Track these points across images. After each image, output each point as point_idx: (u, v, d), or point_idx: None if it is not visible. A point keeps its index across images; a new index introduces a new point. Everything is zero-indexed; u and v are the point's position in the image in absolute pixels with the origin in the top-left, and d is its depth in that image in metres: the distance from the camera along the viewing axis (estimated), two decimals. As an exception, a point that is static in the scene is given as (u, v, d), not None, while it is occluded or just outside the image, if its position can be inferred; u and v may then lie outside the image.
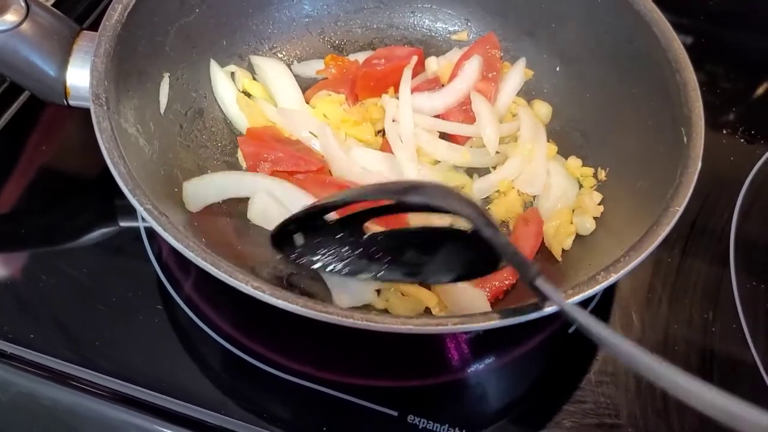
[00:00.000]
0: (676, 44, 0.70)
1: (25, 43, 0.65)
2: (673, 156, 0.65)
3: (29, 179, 0.78)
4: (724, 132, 0.91)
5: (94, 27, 0.71)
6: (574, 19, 0.81)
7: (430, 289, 0.67)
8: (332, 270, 0.61)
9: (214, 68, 0.80)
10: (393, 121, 0.78)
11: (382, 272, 0.61)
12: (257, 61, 0.84)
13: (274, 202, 0.71)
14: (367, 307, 0.67)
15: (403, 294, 0.67)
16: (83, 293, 0.69)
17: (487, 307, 0.65)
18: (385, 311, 0.67)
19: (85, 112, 0.65)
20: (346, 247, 0.61)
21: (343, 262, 0.61)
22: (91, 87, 0.61)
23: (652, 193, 0.65)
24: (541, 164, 0.78)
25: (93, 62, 0.62)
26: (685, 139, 0.64)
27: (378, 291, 0.68)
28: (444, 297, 0.66)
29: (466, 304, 0.65)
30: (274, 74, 0.83)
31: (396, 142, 0.76)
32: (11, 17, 0.64)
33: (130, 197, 0.56)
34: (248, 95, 0.82)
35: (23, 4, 0.65)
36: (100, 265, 0.72)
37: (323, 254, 0.61)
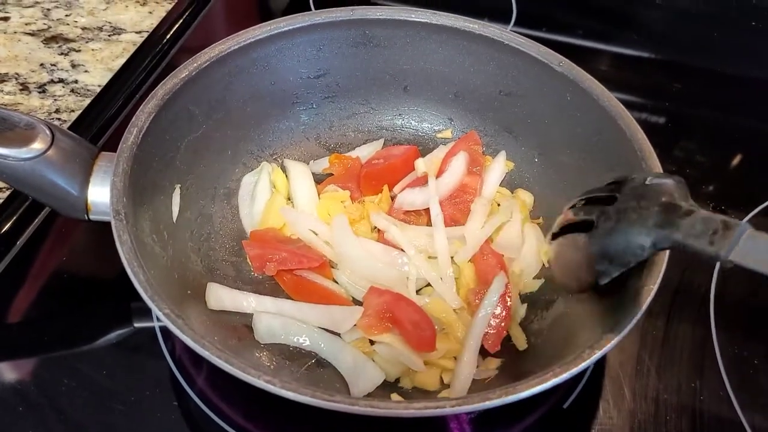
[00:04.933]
0: (640, 135, 0.76)
1: (51, 167, 0.69)
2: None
3: (47, 287, 0.82)
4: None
5: (108, 144, 0.76)
6: (547, 116, 0.88)
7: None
8: None
9: (265, 169, 0.89)
10: (379, 230, 0.83)
11: None
12: (286, 163, 0.91)
13: (276, 318, 0.74)
14: (395, 384, 0.72)
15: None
16: (103, 394, 0.72)
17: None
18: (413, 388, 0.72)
19: (98, 222, 0.71)
20: None
21: None
22: (112, 204, 0.66)
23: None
24: (517, 227, 0.83)
25: (112, 181, 0.67)
26: (654, 221, 0.69)
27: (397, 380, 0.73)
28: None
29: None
30: (295, 174, 0.89)
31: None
32: (38, 145, 0.69)
33: (150, 304, 0.60)
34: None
35: (48, 132, 0.70)
36: (117, 365, 0.75)
37: None
